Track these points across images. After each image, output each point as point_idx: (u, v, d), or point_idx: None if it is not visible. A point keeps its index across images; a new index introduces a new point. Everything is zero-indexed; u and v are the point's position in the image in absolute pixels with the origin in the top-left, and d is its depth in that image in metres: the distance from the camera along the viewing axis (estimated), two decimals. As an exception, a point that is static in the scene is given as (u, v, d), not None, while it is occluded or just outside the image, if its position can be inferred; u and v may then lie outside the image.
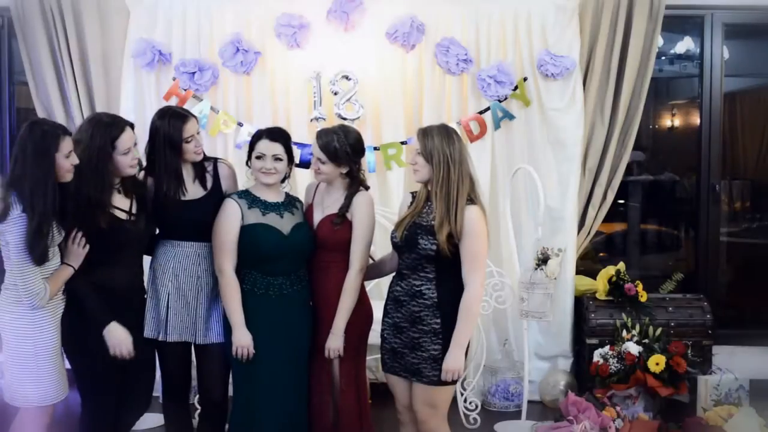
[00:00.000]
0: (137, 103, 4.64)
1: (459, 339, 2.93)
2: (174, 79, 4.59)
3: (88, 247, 2.95)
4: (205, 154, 3.30)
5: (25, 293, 2.80)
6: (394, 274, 3.17)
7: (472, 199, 2.99)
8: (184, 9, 4.63)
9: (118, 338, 2.99)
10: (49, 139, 2.80)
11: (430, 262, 2.97)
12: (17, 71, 5.12)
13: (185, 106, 4.54)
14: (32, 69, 4.78)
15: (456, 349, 2.93)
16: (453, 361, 2.92)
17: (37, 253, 2.79)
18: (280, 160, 3.15)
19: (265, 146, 3.13)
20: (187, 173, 3.24)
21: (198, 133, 3.23)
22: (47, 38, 4.71)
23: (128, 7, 4.65)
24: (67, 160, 2.84)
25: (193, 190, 3.23)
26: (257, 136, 3.18)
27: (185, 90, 4.57)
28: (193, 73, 4.55)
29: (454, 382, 3.01)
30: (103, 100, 4.70)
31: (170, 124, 3.14)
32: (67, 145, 2.84)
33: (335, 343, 3.14)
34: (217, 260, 3.11)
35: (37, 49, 4.72)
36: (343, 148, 3.16)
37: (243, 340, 3.06)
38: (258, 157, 3.14)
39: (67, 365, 3.05)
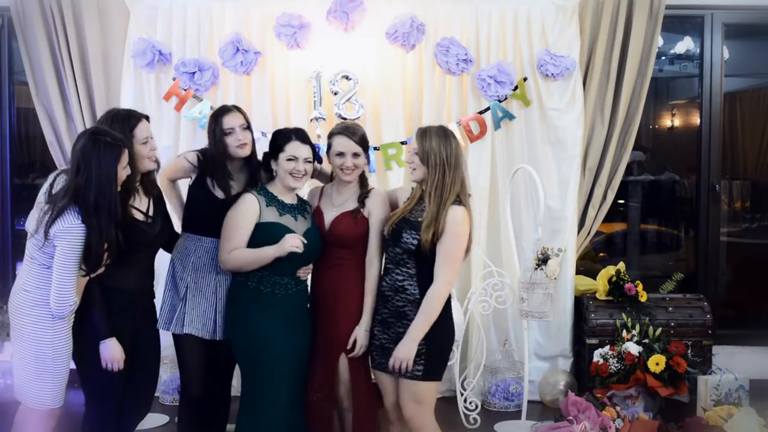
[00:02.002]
0: (137, 103, 4.63)
1: (414, 331, 2.96)
2: (174, 79, 4.59)
3: (107, 262, 2.94)
4: (254, 155, 3.34)
5: (58, 302, 2.80)
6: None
7: (460, 201, 3.01)
8: (184, 9, 4.64)
9: (111, 354, 2.99)
10: (113, 151, 2.82)
11: (411, 258, 3.01)
12: (17, 71, 5.12)
13: (185, 106, 4.58)
14: (32, 69, 4.78)
15: (409, 340, 2.95)
16: (403, 351, 2.95)
17: (92, 263, 2.82)
18: (310, 162, 3.17)
19: (297, 148, 3.13)
20: (235, 172, 3.29)
21: (244, 128, 3.26)
22: (47, 38, 4.71)
23: (128, 7, 4.65)
24: (123, 171, 2.87)
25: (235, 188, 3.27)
26: (285, 138, 3.15)
27: (185, 90, 4.57)
28: (193, 73, 4.55)
29: (438, 378, 3.06)
30: (103, 100, 4.70)
31: (214, 121, 3.26)
32: (125, 157, 2.87)
33: (367, 339, 3.16)
34: (222, 250, 3.10)
35: (37, 49, 4.72)
36: (366, 138, 3.24)
37: (290, 238, 3.03)
38: (290, 159, 3.12)
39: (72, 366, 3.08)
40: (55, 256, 2.79)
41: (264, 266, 3.10)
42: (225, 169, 3.26)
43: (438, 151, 2.98)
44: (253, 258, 3.08)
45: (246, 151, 3.28)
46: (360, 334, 3.15)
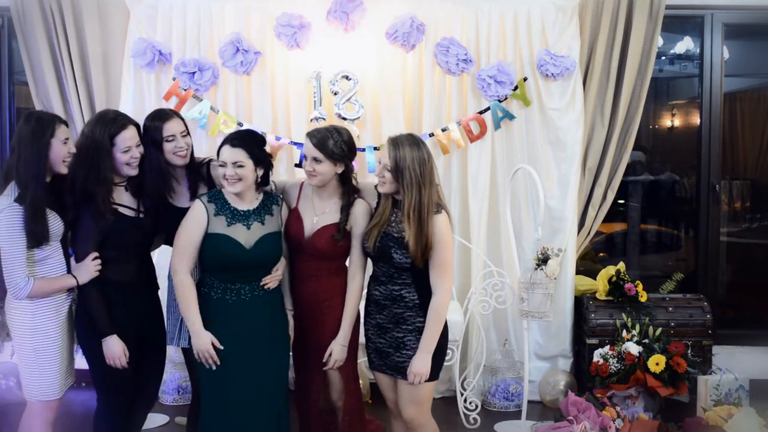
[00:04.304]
0: (137, 103, 4.64)
1: (427, 344, 2.97)
2: (174, 79, 4.59)
3: (99, 268, 2.98)
4: (193, 159, 3.26)
5: (8, 283, 2.85)
6: (370, 276, 3.17)
7: (439, 206, 2.98)
8: (184, 9, 4.63)
9: (113, 351, 3.00)
10: (44, 125, 2.86)
11: (406, 271, 3.00)
12: (17, 71, 5.12)
13: (185, 106, 4.57)
14: (32, 69, 4.78)
15: (424, 354, 2.96)
16: (421, 365, 2.96)
17: (34, 237, 2.83)
18: (242, 166, 2.99)
19: (226, 153, 2.99)
20: (181, 180, 3.23)
21: (184, 135, 3.17)
22: (47, 38, 4.71)
23: (128, 7, 4.65)
24: (64, 146, 2.89)
25: (186, 197, 3.22)
26: (222, 143, 3.03)
27: (185, 90, 4.57)
28: (193, 73, 4.55)
29: (436, 378, 3.06)
30: (103, 100, 4.71)
31: (153, 124, 3.15)
32: (62, 132, 2.89)
33: (343, 354, 3.14)
34: (174, 261, 3.02)
35: (37, 49, 4.72)
36: (339, 145, 3.06)
37: (203, 344, 2.96)
38: (221, 165, 3.01)
39: (85, 366, 3.10)
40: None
41: (213, 274, 3.03)
42: (167, 175, 3.17)
43: (412, 167, 2.88)
44: (182, 310, 3.02)
45: (184, 161, 3.18)
46: (336, 348, 3.12)
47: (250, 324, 3.03)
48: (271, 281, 3.09)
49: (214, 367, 2.98)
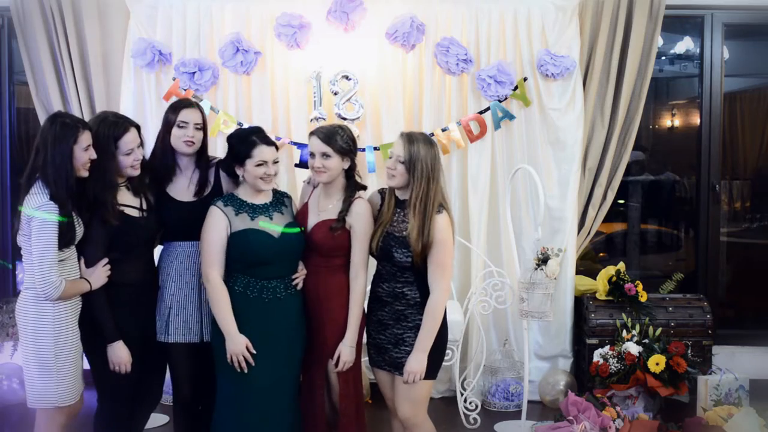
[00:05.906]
0: (137, 103, 4.65)
1: (423, 343, 2.98)
2: (174, 79, 4.59)
3: (109, 273, 3.00)
4: (206, 153, 3.30)
5: (41, 282, 2.82)
6: (374, 273, 3.19)
7: (442, 206, 3.00)
8: (184, 9, 4.64)
9: (119, 357, 3.02)
10: (68, 131, 2.87)
11: (408, 270, 3.03)
12: (17, 71, 5.12)
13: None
14: (32, 69, 4.78)
15: (419, 353, 2.98)
16: (416, 364, 2.98)
17: (65, 238, 2.84)
18: (277, 162, 3.11)
19: (265, 152, 3.05)
20: (187, 172, 3.25)
21: (198, 128, 3.21)
22: (47, 38, 4.72)
23: (128, 7, 4.65)
24: (85, 153, 2.90)
25: (189, 191, 3.23)
26: (250, 143, 3.04)
27: (185, 90, 4.57)
28: (193, 73, 4.55)
29: (434, 377, 3.07)
30: (103, 100, 4.71)
31: (173, 106, 3.23)
32: (85, 138, 2.90)
33: (352, 356, 3.13)
34: (204, 269, 3.04)
35: (37, 49, 4.72)
36: (345, 140, 3.12)
37: (237, 347, 2.99)
38: (259, 165, 3.04)
39: (85, 365, 3.09)
40: (32, 237, 2.82)
41: (247, 272, 3.06)
42: (169, 162, 3.22)
43: (425, 161, 2.96)
44: (217, 314, 3.02)
45: (190, 150, 3.20)
46: (345, 350, 3.12)
47: (280, 322, 3.08)
48: (299, 278, 3.15)
49: (246, 370, 3.00)
